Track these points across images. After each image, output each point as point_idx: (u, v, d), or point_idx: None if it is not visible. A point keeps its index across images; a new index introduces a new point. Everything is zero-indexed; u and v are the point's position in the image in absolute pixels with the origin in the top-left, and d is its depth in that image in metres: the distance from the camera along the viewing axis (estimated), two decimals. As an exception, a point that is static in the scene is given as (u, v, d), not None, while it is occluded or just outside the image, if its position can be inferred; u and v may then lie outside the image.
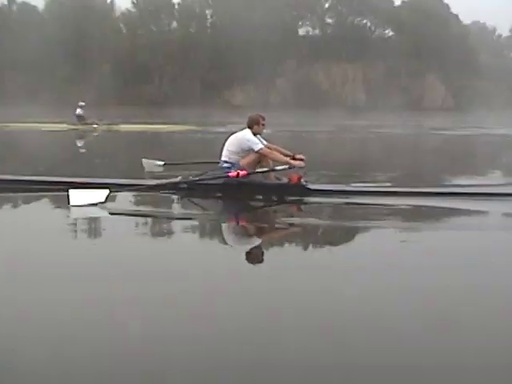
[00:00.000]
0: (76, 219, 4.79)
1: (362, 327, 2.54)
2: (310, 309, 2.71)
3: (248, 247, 4.18)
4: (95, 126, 19.24)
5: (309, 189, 5.74)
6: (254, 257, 3.82)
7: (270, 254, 3.94)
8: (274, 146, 5.99)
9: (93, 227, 4.65)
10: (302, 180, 5.74)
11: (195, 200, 5.70)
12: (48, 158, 11.23)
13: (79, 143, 15.85)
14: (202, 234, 4.69)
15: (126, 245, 3.96)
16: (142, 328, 2.48)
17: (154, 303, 2.74)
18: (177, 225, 5.00)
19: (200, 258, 3.62)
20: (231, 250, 4.09)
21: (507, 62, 57.62)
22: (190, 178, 5.87)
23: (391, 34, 52.76)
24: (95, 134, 18.46)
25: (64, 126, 19.65)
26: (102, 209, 5.04)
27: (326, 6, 52.44)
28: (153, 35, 50.09)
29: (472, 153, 15.28)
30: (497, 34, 61.35)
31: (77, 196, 5.00)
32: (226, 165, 5.77)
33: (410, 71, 51.09)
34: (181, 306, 2.74)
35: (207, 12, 52.37)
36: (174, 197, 5.77)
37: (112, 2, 51.03)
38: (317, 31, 52.73)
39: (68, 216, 4.87)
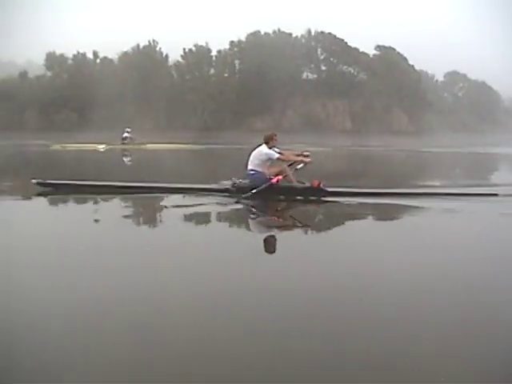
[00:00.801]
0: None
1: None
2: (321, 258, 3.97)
3: (283, 232, 5.35)
4: (101, 147, 21.56)
5: (327, 191, 7.08)
6: (288, 235, 5.16)
7: (299, 232, 5.31)
8: (286, 151, 7.41)
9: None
10: (321, 184, 7.10)
11: (245, 200, 6.84)
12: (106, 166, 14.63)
13: (125, 158, 18.02)
14: (259, 222, 5.97)
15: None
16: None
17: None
18: (242, 214, 6.30)
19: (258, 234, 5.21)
20: (272, 232, 5.29)
21: (443, 99, 73.77)
22: (238, 182, 7.20)
23: (368, 78, 64.29)
24: (101, 150, 20.80)
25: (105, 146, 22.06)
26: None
27: (322, 57, 64.68)
28: (196, 79, 60.92)
29: (427, 165, 17.96)
30: (435, 79, 76.99)
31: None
32: (252, 172, 7.17)
33: (381, 105, 63.73)
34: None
35: (236, 62, 62.98)
36: (226, 197, 6.98)
37: (166, 56, 62.26)
38: (315, 75, 64.56)
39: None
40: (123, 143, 22.11)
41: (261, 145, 7.40)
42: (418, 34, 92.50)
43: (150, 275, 3.50)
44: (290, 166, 7.36)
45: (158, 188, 7.34)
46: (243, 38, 64.19)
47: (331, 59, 64.96)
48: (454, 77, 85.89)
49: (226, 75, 62.41)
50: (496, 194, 7.30)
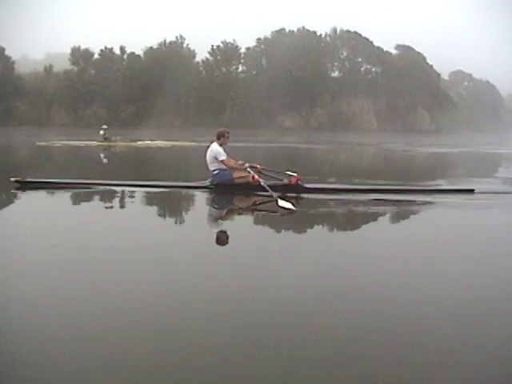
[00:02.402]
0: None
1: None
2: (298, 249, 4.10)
3: (259, 227, 5.38)
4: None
5: (305, 187, 7.08)
6: (262, 230, 5.15)
7: (273, 227, 5.25)
8: (232, 160, 7.21)
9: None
10: (300, 181, 7.08)
11: (221, 196, 7.00)
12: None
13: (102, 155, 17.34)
14: (232, 218, 5.97)
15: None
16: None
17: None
18: (214, 212, 6.31)
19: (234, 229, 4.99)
20: (248, 227, 5.15)
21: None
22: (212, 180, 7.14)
23: (392, 77, 64.54)
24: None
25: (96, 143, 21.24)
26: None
27: (347, 56, 65.27)
28: (225, 76, 61.16)
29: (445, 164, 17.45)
30: (442, 78, 74.86)
31: None
32: (215, 172, 7.12)
33: (405, 105, 65.33)
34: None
35: (263, 59, 63.09)
36: (205, 193, 7.02)
37: (194, 52, 61.81)
38: (341, 74, 64.98)
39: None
40: (109, 140, 21.59)
41: (213, 142, 7.29)
42: (424, 34, 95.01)
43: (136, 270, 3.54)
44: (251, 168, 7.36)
45: (140, 185, 7.48)
46: (268, 36, 64.44)
47: (357, 58, 66.15)
48: (458, 76, 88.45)
49: (254, 72, 62.69)
50: (473, 190, 7.34)
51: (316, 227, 5.57)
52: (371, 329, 2.59)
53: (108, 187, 7.39)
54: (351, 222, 5.80)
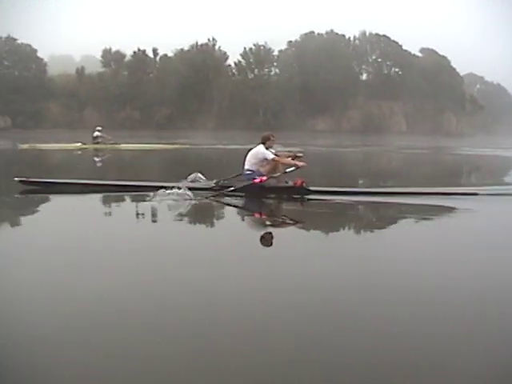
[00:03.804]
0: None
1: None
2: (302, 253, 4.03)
3: (266, 230, 5.33)
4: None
5: (309, 190, 7.19)
6: (270, 235, 5.01)
7: (281, 232, 5.21)
8: (281, 153, 7.61)
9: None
10: (304, 184, 7.18)
11: (228, 198, 6.87)
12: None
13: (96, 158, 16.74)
14: (239, 222, 5.87)
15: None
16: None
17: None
18: (218, 215, 6.19)
19: (238, 234, 4.95)
20: (254, 232, 5.19)
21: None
22: (222, 181, 7.34)
23: (419, 80, 65.00)
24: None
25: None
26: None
27: (377, 59, 65.95)
28: (258, 78, 61.03)
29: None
30: None
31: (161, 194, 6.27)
32: (248, 172, 7.33)
33: (431, 107, 66.09)
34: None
35: (296, 62, 62.47)
36: (211, 196, 6.83)
37: (226, 54, 61.10)
38: (370, 77, 65.54)
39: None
40: (96, 143, 20.53)
41: (258, 145, 7.50)
42: (432, 36, 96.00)
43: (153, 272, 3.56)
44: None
45: (144, 186, 7.24)
46: (298, 38, 64.29)
47: (386, 62, 66.63)
48: (471, 78, 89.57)
49: (287, 75, 62.25)
50: (476, 194, 7.45)
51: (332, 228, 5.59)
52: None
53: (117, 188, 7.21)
54: (359, 223, 5.92)
